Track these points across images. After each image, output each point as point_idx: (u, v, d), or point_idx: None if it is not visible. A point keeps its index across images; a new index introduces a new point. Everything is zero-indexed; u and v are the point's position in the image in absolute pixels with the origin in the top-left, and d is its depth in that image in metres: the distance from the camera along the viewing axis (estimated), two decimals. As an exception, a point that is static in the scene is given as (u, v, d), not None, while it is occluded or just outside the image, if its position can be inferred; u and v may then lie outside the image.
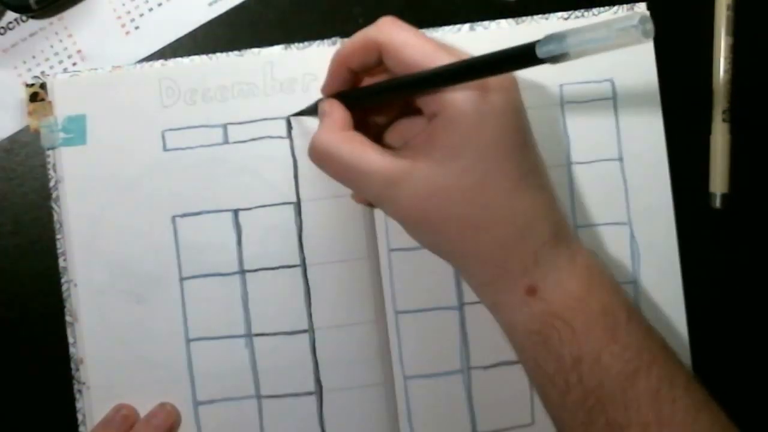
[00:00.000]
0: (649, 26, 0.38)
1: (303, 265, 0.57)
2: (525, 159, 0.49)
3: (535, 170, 0.50)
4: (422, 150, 0.49)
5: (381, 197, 0.50)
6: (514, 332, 0.51)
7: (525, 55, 0.41)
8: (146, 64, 0.58)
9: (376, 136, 0.54)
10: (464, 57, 0.47)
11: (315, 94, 0.57)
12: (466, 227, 0.49)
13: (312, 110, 0.56)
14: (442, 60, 0.47)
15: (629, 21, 0.38)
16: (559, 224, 0.50)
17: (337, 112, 0.52)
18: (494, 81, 0.47)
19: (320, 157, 0.51)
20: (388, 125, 0.55)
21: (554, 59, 0.40)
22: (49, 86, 0.57)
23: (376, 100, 0.54)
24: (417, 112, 0.53)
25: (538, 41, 0.40)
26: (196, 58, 0.58)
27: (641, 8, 0.59)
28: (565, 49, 0.40)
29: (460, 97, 0.47)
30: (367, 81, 0.54)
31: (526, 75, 0.58)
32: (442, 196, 0.48)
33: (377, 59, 0.51)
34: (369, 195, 0.51)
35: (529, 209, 0.49)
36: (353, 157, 0.50)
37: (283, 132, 0.57)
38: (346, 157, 0.50)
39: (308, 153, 0.52)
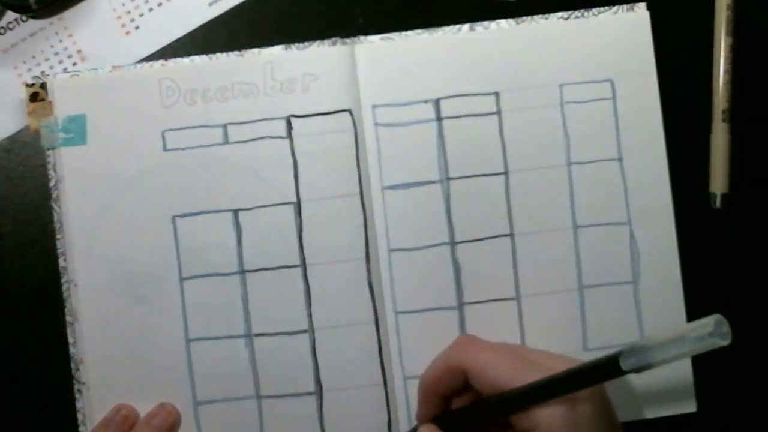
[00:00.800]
0: (725, 329, 0.40)
1: (303, 265, 0.57)
2: None
3: None
4: None
5: None
6: None
7: (609, 369, 0.44)
8: (146, 64, 0.58)
9: None
10: (547, 368, 0.48)
11: (315, 95, 0.57)
12: None
13: None
14: (528, 377, 0.48)
15: (705, 329, 0.40)
16: None
17: None
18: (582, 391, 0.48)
19: None
20: None
21: (636, 370, 0.43)
22: (49, 86, 0.57)
23: (470, 422, 0.54)
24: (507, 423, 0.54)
25: (621, 354, 0.43)
26: (196, 58, 0.58)
27: (641, 8, 0.59)
28: (648, 361, 0.42)
29: (551, 413, 0.47)
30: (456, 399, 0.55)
31: (525, 75, 0.58)
32: None
33: (463, 382, 0.52)
34: None
35: None
36: None
37: (283, 132, 0.57)
38: None
39: None
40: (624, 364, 0.43)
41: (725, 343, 0.39)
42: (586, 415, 0.48)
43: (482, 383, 0.50)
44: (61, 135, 0.57)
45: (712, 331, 0.39)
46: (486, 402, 0.51)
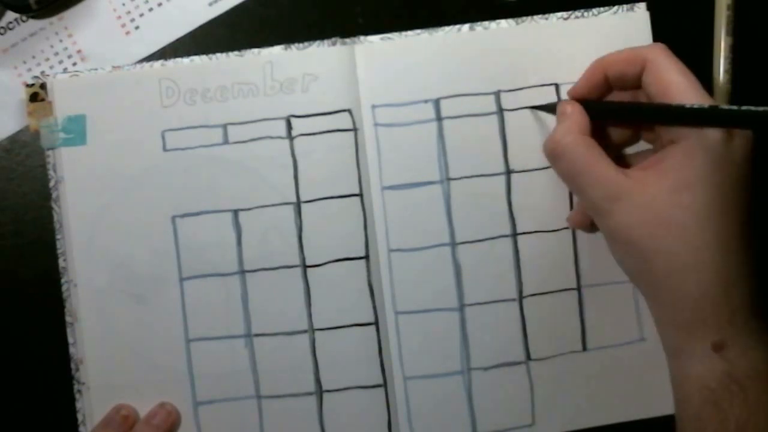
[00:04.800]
0: None
1: (303, 265, 0.57)
2: (744, 215, 0.49)
3: (747, 230, 0.50)
4: (651, 174, 0.49)
5: (599, 208, 0.51)
6: (686, 382, 0.50)
7: None
8: (146, 64, 0.58)
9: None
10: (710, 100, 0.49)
11: (315, 95, 0.57)
12: (674, 264, 0.49)
13: (551, 108, 0.57)
14: (699, 96, 0.48)
15: None
16: (758, 294, 0.50)
17: (578, 116, 0.53)
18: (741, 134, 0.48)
19: (555, 154, 0.53)
20: (612, 144, 0.56)
21: None
22: (49, 86, 0.57)
23: (617, 116, 0.55)
24: (639, 135, 0.56)
25: None
26: (196, 58, 0.58)
27: (641, 8, 0.59)
28: None
29: (705, 133, 0.48)
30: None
31: (526, 74, 0.58)
32: (659, 226, 0.48)
33: (636, 75, 0.52)
34: (588, 202, 0.52)
35: (738, 266, 0.49)
36: (585, 161, 0.51)
37: (283, 132, 0.57)
38: (579, 160, 0.51)
39: (543, 147, 0.55)
40: None
41: None
42: (737, 150, 0.48)
43: (655, 79, 0.50)
44: (61, 135, 0.57)
45: None
46: (650, 105, 0.51)
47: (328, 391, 0.57)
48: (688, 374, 0.50)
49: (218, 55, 0.58)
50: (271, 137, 0.57)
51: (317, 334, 0.57)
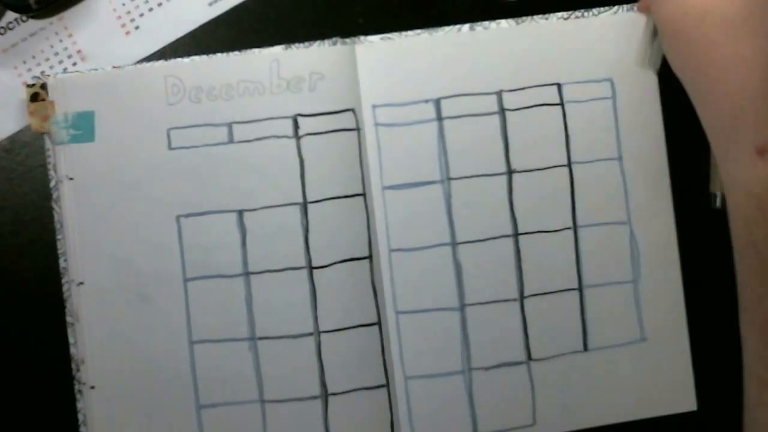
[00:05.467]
0: None
1: (309, 267, 0.57)
2: None
3: None
4: None
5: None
6: (735, 189, 0.50)
7: None
8: (151, 62, 0.58)
9: None
10: None
11: (322, 93, 0.57)
12: (714, 55, 0.49)
13: None
14: None
15: None
16: None
17: None
18: None
19: None
20: None
21: None
22: (52, 85, 0.57)
23: None
24: None
25: None
26: (196, 58, 0.58)
27: (641, 8, 0.59)
28: None
29: None
30: None
31: (527, 74, 0.58)
32: (702, 14, 0.49)
33: None
34: None
35: None
36: None
37: (290, 131, 0.57)
38: None
39: None
40: None
41: None
42: None
43: None
44: (70, 131, 0.56)
45: None
46: None
47: (333, 394, 0.57)
48: (736, 180, 0.50)
49: (218, 55, 0.58)
50: (277, 136, 0.57)
51: (323, 336, 0.57)
